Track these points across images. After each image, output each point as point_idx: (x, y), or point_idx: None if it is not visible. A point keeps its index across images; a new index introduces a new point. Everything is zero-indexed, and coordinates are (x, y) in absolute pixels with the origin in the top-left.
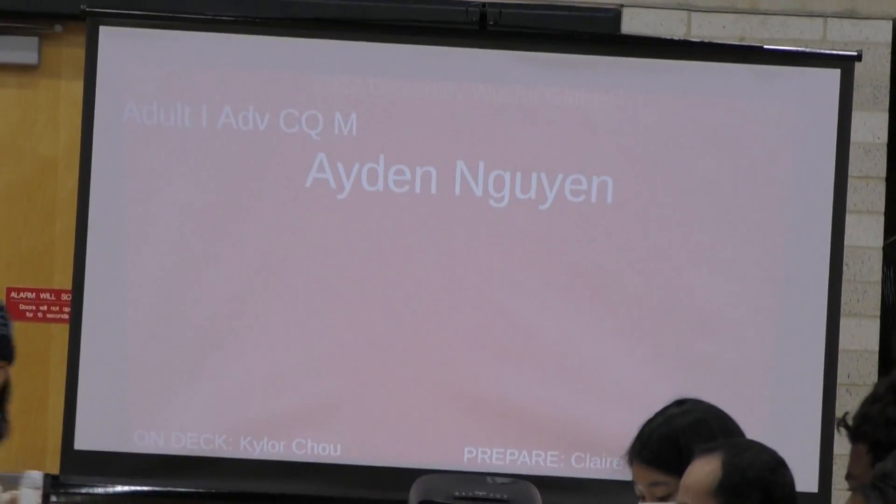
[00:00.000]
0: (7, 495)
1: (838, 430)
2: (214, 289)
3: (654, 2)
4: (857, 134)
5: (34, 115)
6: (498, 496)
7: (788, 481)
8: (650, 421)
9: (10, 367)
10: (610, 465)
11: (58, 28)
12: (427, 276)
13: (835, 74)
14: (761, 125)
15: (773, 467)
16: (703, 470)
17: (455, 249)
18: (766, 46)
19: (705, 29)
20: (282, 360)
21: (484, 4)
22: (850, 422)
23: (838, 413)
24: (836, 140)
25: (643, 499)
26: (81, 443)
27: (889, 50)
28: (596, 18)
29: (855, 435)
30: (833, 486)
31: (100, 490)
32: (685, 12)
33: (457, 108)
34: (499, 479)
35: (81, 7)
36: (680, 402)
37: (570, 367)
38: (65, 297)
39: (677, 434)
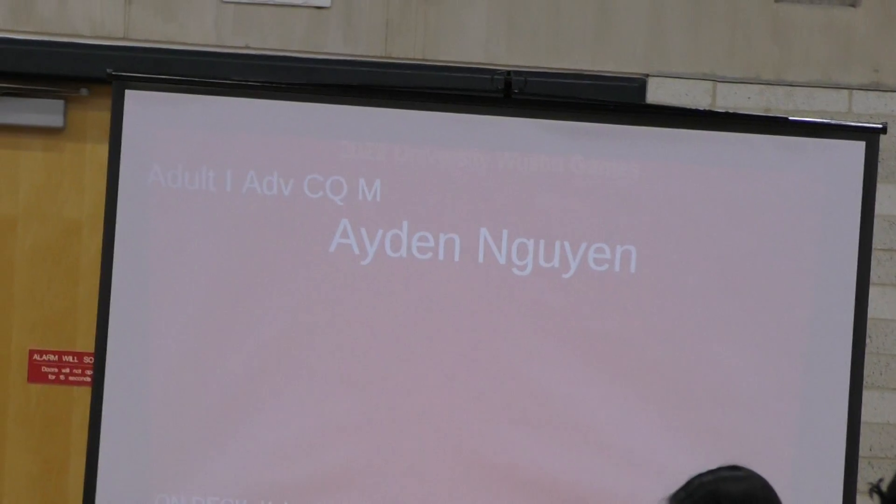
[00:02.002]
0: None
1: (871, 497)
2: (237, 353)
3: (680, 72)
4: (881, 206)
5: (59, 178)
6: None
7: None
8: (701, 475)
9: None
10: None
11: (83, 92)
12: (449, 343)
13: (859, 146)
14: (785, 196)
15: None
16: None
17: (477, 317)
18: (791, 118)
19: (730, 100)
20: (303, 426)
21: (509, 73)
22: (884, 488)
23: (860, 486)
24: (860, 212)
25: None
26: None
27: None
28: (621, 87)
29: (890, 501)
30: None
31: None
32: (710, 83)
33: (481, 176)
34: None
35: (107, 71)
36: (734, 468)
37: (591, 438)
38: (87, 359)
39: (721, 496)
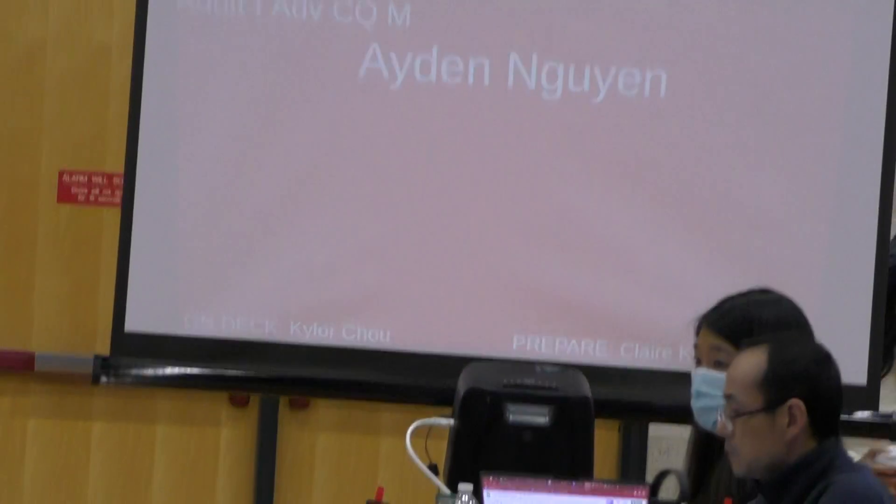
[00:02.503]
0: None
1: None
2: (267, 176)
3: None
4: None
5: (88, 2)
6: (547, 384)
7: (834, 375)
8: (733, 297)
9: None
10: (659, 355)
11: None
12: (478, 167)
13: None
14: (817, 22)
15: (819, 360)
16: (750, 362)
17: (507, 141)
18: None
19: None
20: (333, 247)
21: None
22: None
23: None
24: (890, 39)
25: (699, 362)
26: (132, 325)
27: None
28: None
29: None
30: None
31: (149, 371)
32: None
33: (511, 0)
34: (547, 368)
35: None
36: (765, 291)
37: (619, 259)
38: (117, 180)
39: (753, 318)
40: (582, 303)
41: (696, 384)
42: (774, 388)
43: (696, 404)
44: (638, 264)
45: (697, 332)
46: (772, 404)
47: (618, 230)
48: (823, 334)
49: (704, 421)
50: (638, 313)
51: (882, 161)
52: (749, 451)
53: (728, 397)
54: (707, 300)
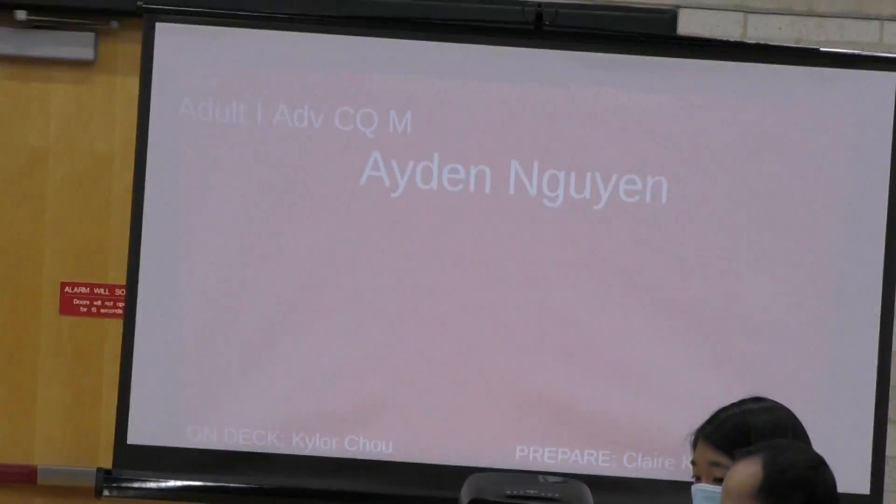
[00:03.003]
0: None
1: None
2: (268, 286)
3: (711, 3)
4: None
5: (90, 111)
6: (550, 495)
7: (830, 480)
8: (726, 408)
9: None
10: (662, 465)
11: (114, 24)
12: (480, 275)
13: (891, 77)
14: (816, 128)
15: (814, 466)
16: (745, 472)
17: (508, 248)
18: (822, 49)
19: (761, 31)
20: (335, 358)
21: (540, 4)
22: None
23: (891, 416)
24: (891, 143)
25: (698, 479)
26: (134, 437)
27: None
28: (652, 19)
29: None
30: (885, 488)
31: (152, 484)
32: (741, 14)
33: (512, 108)
34: (550, 478)
35: (137, 3)
36: (758, 399)
37: (622, 368)
38: (119, 292)
39: (750, 428)
40: (584, 413)
41: (698, 500)
42: (771, 498)
43: None
44: (640, 373)
45: (694, 447)
46: None
47: (620, 339)
48: (825, 442)
49: None
50: (640, 423)
51: (883, 267)
52: None
53: None
54: (709, 409)
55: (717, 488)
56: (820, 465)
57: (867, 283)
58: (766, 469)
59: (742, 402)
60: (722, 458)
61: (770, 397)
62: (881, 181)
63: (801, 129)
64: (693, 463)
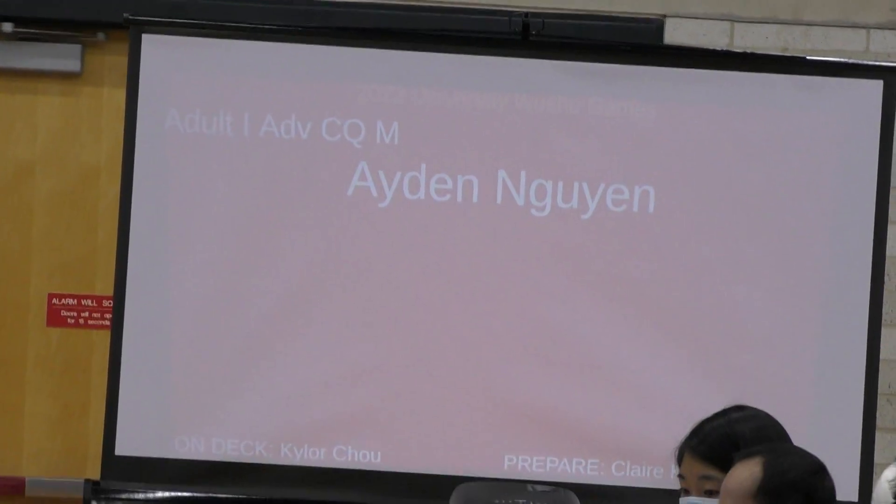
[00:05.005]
0: None
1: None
2: (255, 297)
3: (697, 12)
4: None
5: (77, 124)
6: None
7: (829, 486)
8: (710, 420)
9: None
10: (650, 473)
11: (100, 36)
12: (468, 285)
13: (877, 86)
14: (803, 136)
15: (815, 471)
16: (745, 473)
17: (496, 258)
18: (808, 57)
19: (748, 40)
20: (323, 368)
21: (527, 15)
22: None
23: (879, 423)
24: (878, 151)
25: (687, 492)
26: (122, 448)
27: None
28: (639, 29)
29: None
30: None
31: (140, 496)
32: (728, 23)
33: (499, 118)
34: (539, 487)
35: (124, 15)
36: (740, 408)
37: (610, 377)
38: (106, 303)
39: (737, 437)
40: (573, 422)
41: None
42: (770, 499)
43: None
44: (628, 382)
45: (680, 460)
46: None
47: (607, 347)
48: (814, 450)
49: None
50: (628, 431)
51: (871, 275)
52: None
53: None
54: (698, 417)
55: (709, 501)
56: (821, 470)
57: (855, 291)
58: (767, 470)
59: (725, 411)
60: (712, 471)
61: (759, 406)
62: (868, 189)
63: (788, 137)
64: (680, 476)
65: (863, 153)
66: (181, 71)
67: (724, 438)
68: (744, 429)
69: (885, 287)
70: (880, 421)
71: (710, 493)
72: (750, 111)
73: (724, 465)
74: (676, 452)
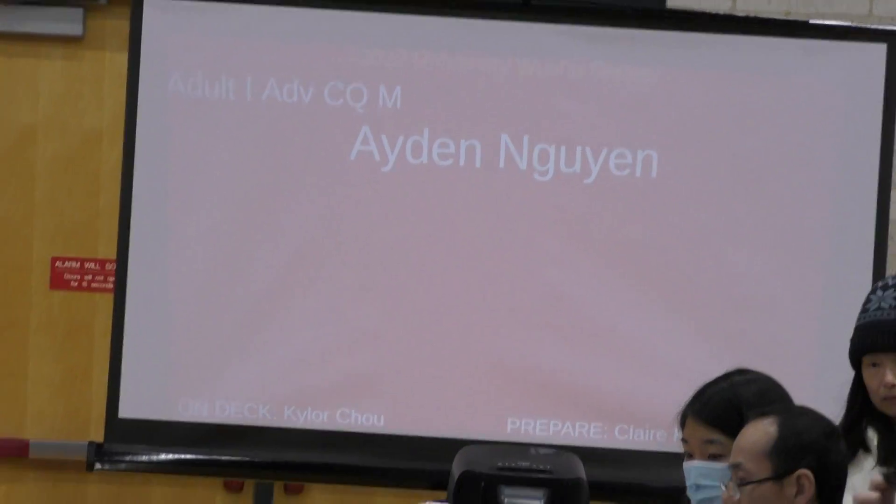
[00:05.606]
0: None
1: None
2: (259, 260)
3: None
4: None
5: (79, 88)
6: (541, 467)
7: (841, 449)
8: (712, 384)
9: None
10: (653, 437)
11: (102, 0)
12: (470, 249)
13: (881, 49)
14: (806, 100)
15: (829, 433)
16: (759, 432)
17: (498, 222)
18: (811, 21)
19: (751, 3)
20: (326, 331)
21: None
22: None
23: None
24: (881, 115)
25: (690, 456)
26: (126, 411)
27: None
28: None
29: None
30: None
31: (144, 458)
32: None
33: (501, 82)
34: (542, 451)
35: None
36: (742, 371)
37: (613, 340)
38: (109, 266)
39: (740, 401)
40: (576, 385)
41: (694, 478)
42: (784, 458)
43: (696, 497)
44: (631, 345)
45: (683, 425)
46: (781, 473)
47: (610, 312)
48: None
49: None
50: (632, 395)
51: (874, 238)
52: None
53: (735, 466)
54: (701, 381)
55: (714, 464)
56: (834, 433)
57: (857, 255)
58: (782, 430)
59: (727, 375)
60: (715, 435)
61: (762, 370)
62: (871, 153)
63: (791, 101)
64: (684, 440)
65: (866, 117)
66: (183, 34)
67: (727, 402)
68: (746, 392)
69: (887, 251)
70: None
71: (715, 458)
72: (753, 75)
73: (727, 429)
74: (679, 417)
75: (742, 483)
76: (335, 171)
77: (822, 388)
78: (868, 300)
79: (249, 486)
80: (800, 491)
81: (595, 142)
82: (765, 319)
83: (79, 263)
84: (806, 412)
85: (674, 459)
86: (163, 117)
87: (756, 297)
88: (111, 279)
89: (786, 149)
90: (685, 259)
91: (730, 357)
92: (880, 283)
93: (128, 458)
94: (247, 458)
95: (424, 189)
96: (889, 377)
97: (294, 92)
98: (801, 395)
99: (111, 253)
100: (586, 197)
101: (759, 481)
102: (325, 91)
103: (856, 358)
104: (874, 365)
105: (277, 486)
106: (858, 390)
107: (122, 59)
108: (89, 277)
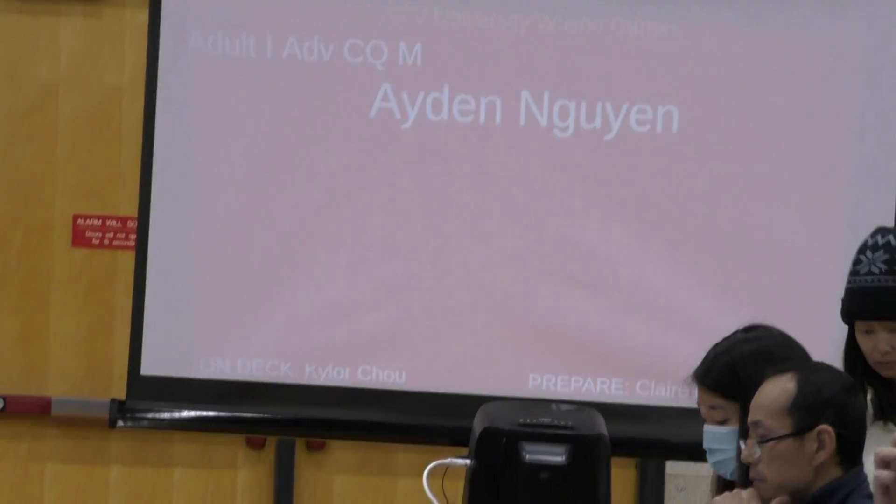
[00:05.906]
0: None
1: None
2: (280, 217)
3: None
4: None
5: (99, 46)
6: (563, 423)
7: (860, 404)
8: (716, 345)
9: None
10: (674, 392)
11: None
12: (491, 205)
13: None
14: (828, 52)
15: (847, 388)
16: (777, 388)
17: (519, 179)
18: None
19: None
20: (347, 288)
21: None
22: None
23: None
24: None
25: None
26: (147, 368)
27: None
28: None
29: None
30: None
31: (165, 415)
32: None
33: (521, 38)
34: (563, 406)
35: None
36: (748, 329)
37: (634, 296)
38: (131, 224)
39: (736, 362)
40: (597, 341)
41: (707, 442)
42: (804, 414)
43: (711, 459)
44: (653, 301)
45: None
46: (801, 429)
47: (632, 267)
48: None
49: (723, 473)
50: (653, 351)
51: None
52: (776, 477)
53: (755, 423)
54: (721, 335)
55: (723, 428)
56: (853, 387)
57: (880, 208)
58: (801, 386)
59: (733, 334)
60: (717, 401)
61: (781, 324)
62: (893, 105)
63: (813, 53)
64: (698, 403)
65: (889, 69)
66: None
67: (725, 366)
68: (743, 351)
69: None
70: None
71: (721, 423)
72: (774, 29)
73: (728, 394)
74: (690, 381)
75: (762, 440)
76: (355, 128)
77: (843, 339)
78: (858, 261)
79: (271, 443)
80: (820, 446)
81: (615, 98)
82: (788, 274)
83: (100, 221)
84: (824, 368)
85: (695, 415)
86: (183, 75)
87: (779, 252)
88: (132, 237)
89: (808, 102)
90: (706, 214)
91: (753, 311)
92: (869, 242)
93: (150, 415)
94: (268, 416)
95: (445, 146)
96: (882, 345)
97: (314, 49)
98: (823, 351)
99: (133, 210)
100: (607, 153)
101: (780, 438)
102: (345, 48)
103: (849, 320)
104: (867, 332)
105: (299, 443)
106: (851, 349)
107: (143, 16)
108: (111, 235)
